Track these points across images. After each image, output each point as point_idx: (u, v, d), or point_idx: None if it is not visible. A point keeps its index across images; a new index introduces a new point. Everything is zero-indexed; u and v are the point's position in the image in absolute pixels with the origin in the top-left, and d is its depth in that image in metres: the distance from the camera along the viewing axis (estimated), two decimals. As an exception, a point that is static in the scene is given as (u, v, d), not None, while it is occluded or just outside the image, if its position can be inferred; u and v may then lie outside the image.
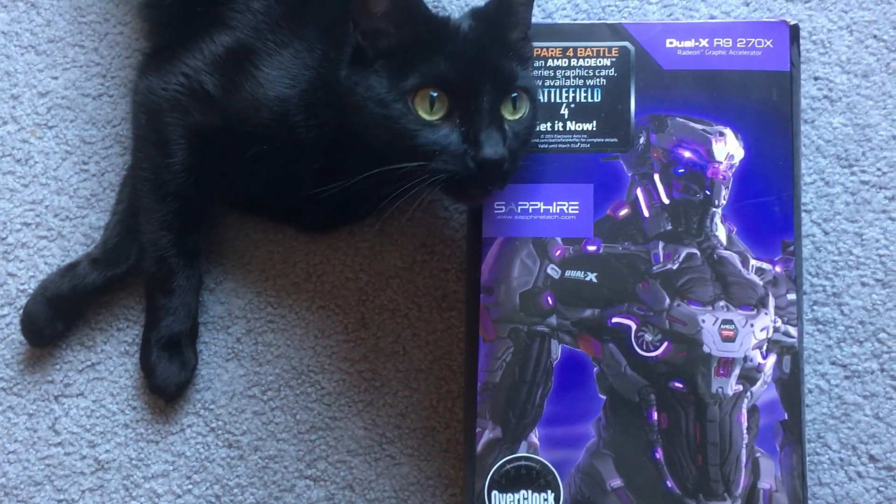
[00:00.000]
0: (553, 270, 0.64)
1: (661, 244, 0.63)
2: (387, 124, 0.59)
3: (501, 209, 0.65)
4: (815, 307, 0.70)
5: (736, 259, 0.63)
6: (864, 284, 0.70)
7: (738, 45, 0.65)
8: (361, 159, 0.60)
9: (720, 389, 0.61)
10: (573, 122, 0.65)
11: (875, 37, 0.74)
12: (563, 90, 0.66)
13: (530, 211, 0.65)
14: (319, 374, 0.73)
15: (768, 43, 0.64)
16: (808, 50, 0.74)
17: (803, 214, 0.70)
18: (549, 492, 0.61)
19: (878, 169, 0.72)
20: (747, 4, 0.75)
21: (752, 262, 0.63)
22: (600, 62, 0.66)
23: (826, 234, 0.71)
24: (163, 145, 0.68)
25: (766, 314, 0.62)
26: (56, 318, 0.72)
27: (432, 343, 0.72)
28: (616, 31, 0.66)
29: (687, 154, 0.64)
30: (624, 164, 0.65)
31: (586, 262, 0.64)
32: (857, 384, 0.69)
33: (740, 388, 0.61)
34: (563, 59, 0.66)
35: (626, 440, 0.61)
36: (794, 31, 0.65)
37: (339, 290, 0.74)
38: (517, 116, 0.61)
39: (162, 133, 0.68)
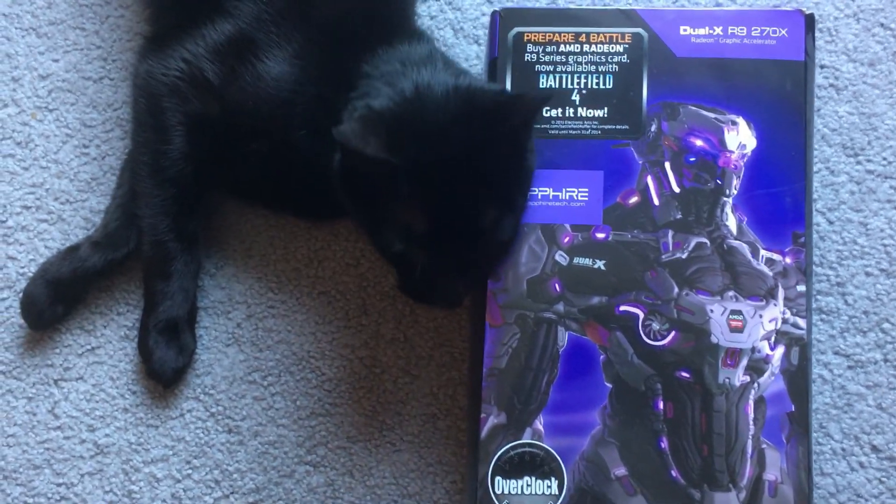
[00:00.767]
0: (561, 257, 0.63)
1: (670, 233, 0.63)
2: (365, 225, 0.64)
3: (510, 195, 0.64)
4: (818, 297, 0.70)
5: (746, 249, 0.62)
6: (868, 274, 0.70)
7: (752, 34, 0.64)
8: None
9: (727, 380, 0.61)
10: (584, 109, 0.65)
11: (882, 25, 0.74)
12: (575, 76, 0.65)
13: (539, 197, 0.64)
14: (320, 360, 0.72)
15: (783, 32, 0.64)
16: (815, 37, 0.73)
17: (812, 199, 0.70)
18: (553, 479, 0.61)
19: (884, 158, 0.72)
20: (760, -8, 0.75)
21: (763, 252, 0.62)
22: (613, 48, 0.65)
23: (831, 223, 0.71)
24: (161, 131, 0.67)
25: (775, 305, 0.62)
26: (56, 302, 0.71)
27: (433, 330, 0.72)
28: (629, 17, 0.65)
29: (698, 142, 0.64)
30: (635, 151, 0.64)
31: (595, 249, 0.63)
32: (861, 374, 0.69)
33: (747, 378, 0.61)
34: (576, 45, 0.65)
35: (631, 429, 0.61)
36: (810, 21, 0.64)
37: (340, 277, 0.73)
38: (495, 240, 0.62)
39: (160, 118, 0.67)
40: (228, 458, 0.71)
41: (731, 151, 0.63)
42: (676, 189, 0.63)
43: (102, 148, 0.76)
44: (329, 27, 0.65)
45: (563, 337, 0.62)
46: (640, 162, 0.64)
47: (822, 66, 0.73)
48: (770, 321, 0.61)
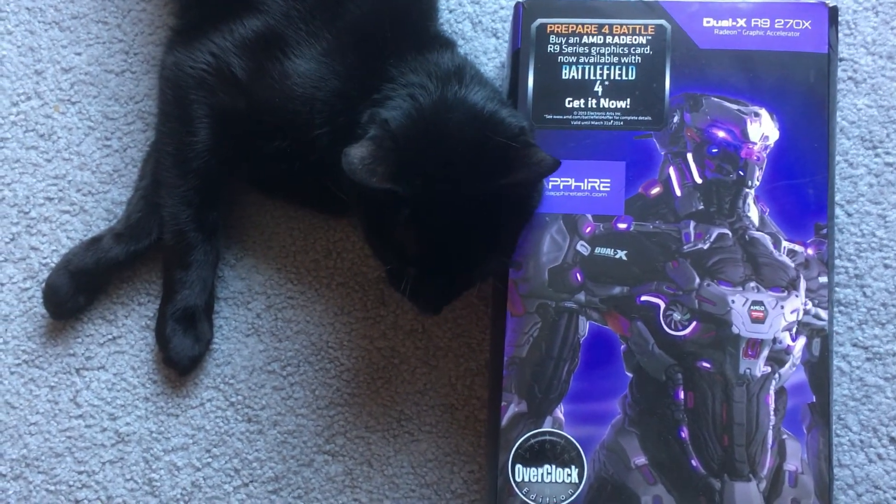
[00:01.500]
0: (583, 247, 0.64)
1: (692, 224, 0.63)
2: (363, 229, 0.65)
3: (531, 186, 0.64)
4: (837, 289, 0.70)
5: (768, 240, 0.63)
6: (887, 266, 0.70)
7: (775, 26, 0.64)
8: None
9: (748, 370, 0.61)
10: (607, 100, 0.65)
11: (902, 19, 0.74)
12: (598, 67, 0.65)
13: (561, 187, 0.64)
14: (338, 350, 0.72)
15: (807, 24, 0.64)
16: (838, 31, 0.74)
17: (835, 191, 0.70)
18: (573, 467, 0.61)
19: (903, 152, 0.72)
20: (782, -16, 0.75)
21: (784, 243, 0.63)
22: (636, 40, 0.65)
23: (849, 215, 0.71)
24: (187, 122, 0.67)
25: (796, 296, 0.62)
26: (78, 292, 0.71)
27: (451, 321, 0.72)
28: (652, 9, 0.65)
29: (721, 134, 0.64)
30: (657, 142, 0.64)
31: (616, 239, 0.63)
32: (879, 366, 0.69)
33: (768, 369, 0.61)
34: (599, 37, 0.66)
35: (651, 418, 0.61)
36: (833, 13, 0.64)
37: (359, 268, 0.74)
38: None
39: (187, 110, 0.67)
40: (248, 447, 0.71)
41: (754, 143, 0.64)
42: (698, 180, 0.64)
43: (124, 140, 0.76)
44: (358, 27, 0.65)
45: (585, 326, 0.63)
46: (663, 153, 0.64)
47: (841, 59, 0.73)
48: (791, 312, 0.62)
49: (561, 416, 0.62)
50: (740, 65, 0.64)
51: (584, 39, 0.66)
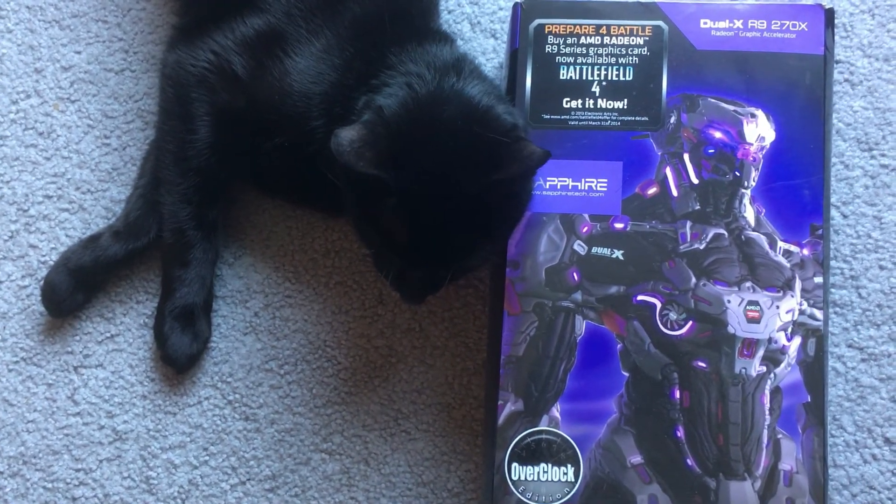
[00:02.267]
0: (580, 247, 0.64)
1: (688, 224, 0.63)
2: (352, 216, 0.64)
3: (529, 185, 0.65)
4: (833, 290, 0.70)
5: (763, 241, 0.63)
6: (882, 268, 0.71)
7: (772, 28, 0.65)
8: None
9: (744, 370, 0.61)
10: (604, 100, 0.65)
11: (897, 21, 0.75)
12: (595, 68, 0.66)
13: (559, 187, 0.64)
14: (336, 349, 0.72)
15: (803, 26, 0.64)
16: (834, 33, 0.74)
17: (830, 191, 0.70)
18: (569, 466, 0.61)
19: (899, 154, 0.73)
20: (779, -14, 0.75)
21: (780, 244, 0.63)
22: (633, 40, 0.65)
23: (845, 217, 0.72)
24: (188, 120, 0.67)
25: (792, 296, 0.62)
26: (77, 289, 0.71)
27: (448, 320, 0.72)
28: (650, 10, 0.66)
29: (718, 135, 0.64)
30: (654, 142, 0.65)
31: (613, 239, 0.64)
32: (874, 367, 0.69)
33: (764, 369, 0.61)
34: (596, 37, 0.66)
35: (647, 417, 0.62)
36: (830, 15, 0.65)
37: (356, 267, 0.74)
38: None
39: (187, 108, 0.67)
40: (245, 445, 0.71)
41: (750, 144, 0.64)
42: (695, 180, 0.64)
43: (123, 139, 0.76)
44: (359, 23, 0.65)
45: (581, 325, 0.63)
46: (659, 153, 0.64)
47: (837, 62, 0.74)
48: (787, 312, 0.62)
49: (557, 414, 0.62)
50: (737, 66, 0.64)
51: (582, 40, 0.66)
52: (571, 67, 0.66)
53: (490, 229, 0.61)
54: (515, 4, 0.67)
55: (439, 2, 0.73)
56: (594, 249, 0.64)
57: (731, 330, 0.62)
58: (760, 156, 0.64)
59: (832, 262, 0.71)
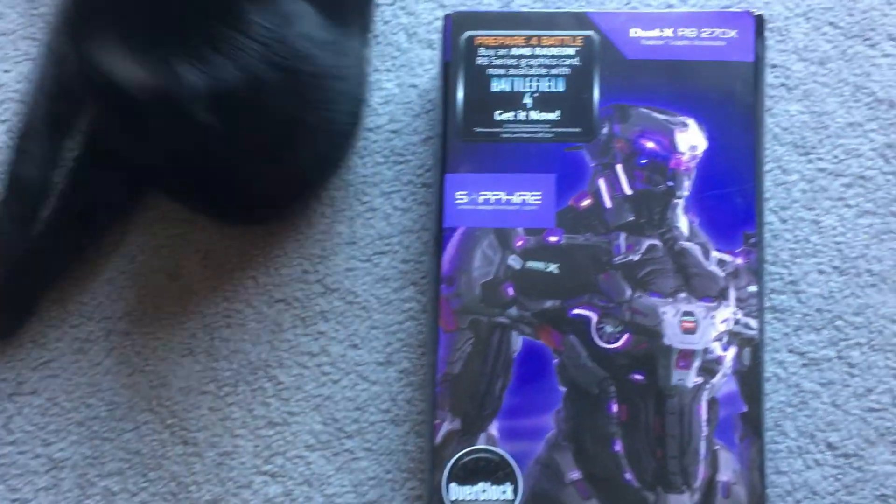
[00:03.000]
0: (514, 261, 0.63)
1: (622, 235, 0.63)
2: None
3: (463, 199, 0.64)
4: (772, 295, 0.70)
5: (697, 250, 0.63)
6: (821, 272, 0.71)
7: (702, 35, 0.64)
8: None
9: (680, 381, 0.61)
10: (536, 112, 0.64)
11: (832, 24, 0.75)
12: (527, 79, 0.65)
13: (492, 201, 0.64)
14: (277, 368, 0.71)
15: (733, 33, 0.64)
16: (765, 38, 0.74)
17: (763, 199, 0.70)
18: (508, 484, 0.61)
19: (835, 156, 0.72)
20: (708, -8, 0.75)
21: (714, 253, 0.63)
22: (564, 51, 0.65)
23: (783, 222, 0.72)
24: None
25: (726, 306, 0.62)
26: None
27: (391, 335, 0.71)
28: (580, 20, 0.65)
29: (650, 144, 0.64)
30: (587, 154, 0.64)
31: (548, 252, 0.63)
32: (815, 372, 0.69)
33: (700, 380, 0.61)
34: (527, 48, 0.65)
35: (585, 432, 0.61)
36: (759, 22, 0.65)
37: (297, 284, 0.72)
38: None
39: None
40: (184, 469, 0.70)
41: (682, 153, 0.63)
42: (628, 191, 0.64)
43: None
44: None
45: (517, 341, 0.62)
46: (593, 165, 0.64)
47: (773, 66, 0.74)
48: (722, 322, 0.62)
49: (495, 432, 0.61)
50: (668, 75, 0.64)
51: (513, 51, 0.65)
52: (503, 79, 0.65)
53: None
54: (446, 16, 0.66)
55: None
56: (529, 263, 0.63)
57: (666, 341, 0.62)
58: (693, 165, 0.63)
59: (772, 268, 0.70)
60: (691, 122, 0.64)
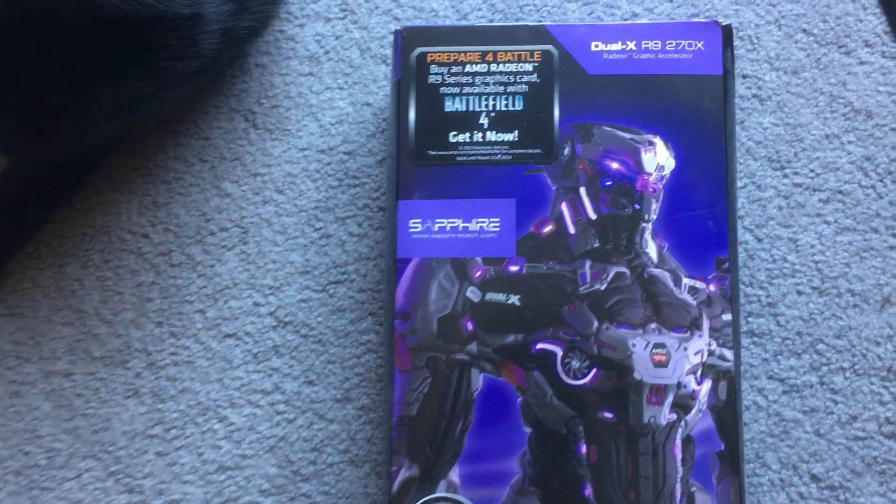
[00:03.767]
0: (473, 293, 0.59)
1: (588, 263, 0.59)
2: None
3: (417, 227, 0.60)
4: (749, 319, 0.67)
5: (668, 278, 0.59)
6: (800, 293, 0.67)
7: (667, 48, 0.60)
8: None
9: (653, 419, 0.57)
10: (493, 132, 0.60)
11: (805, 31, 0.71)
12: (483, 98, 0.61)
13: (448, 229, 0.60)
14: (227, 408, 0.67)
15: (699, 45, 0.60)
16: (736, 47, 0.70)
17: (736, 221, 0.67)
18: (474, 532, 0.57)
19: (812, 170, 0.69)
20: (671, 0, 0.71)
21: (685, 280, 0.59)
22: (521, 67, 0.61)
23: (759, 240, 0.68)
24: None
25: (700, 337, 0.58)
26: None
27: (349, 369, 0.67)
28: (538, 34, 0.61)
29: (615, 165, 0.60)
30: (548, 176, 0.60)
31: (508, 283, 0.59)
32: (796, 399, 0.66)
33: (674, 416, 0.57)
34: (482, 65, 0.61)
35: (553, 476, 0.57)
36: (727, 33, 0.61)
37: (247, 317, 0.68)
38: None
39: None
40: (130, 520, 0.65)
41: (649, 173, 0.60)
42: (593, 216, 0.60)
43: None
44: None
45: (478, 380, 0.58)
46: (554, 188, 0.60)
47: (744, 76, 0.70)
48: (696, 354, 0.58)
49: (456, 479, 0.57)
50: (632, 90, 0.60)
51: (468, 68, 0.61)
52: (457, 98, 0.61)
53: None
54: (396, 32, 0.62)
55: None
56: (488, 295, 0.59)
57: (637, 376, 0.58)
58: (661, 186, 0.59)
59: (748, 290, 0.67)
60: (658, 141, 0.60)
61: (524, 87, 0.61)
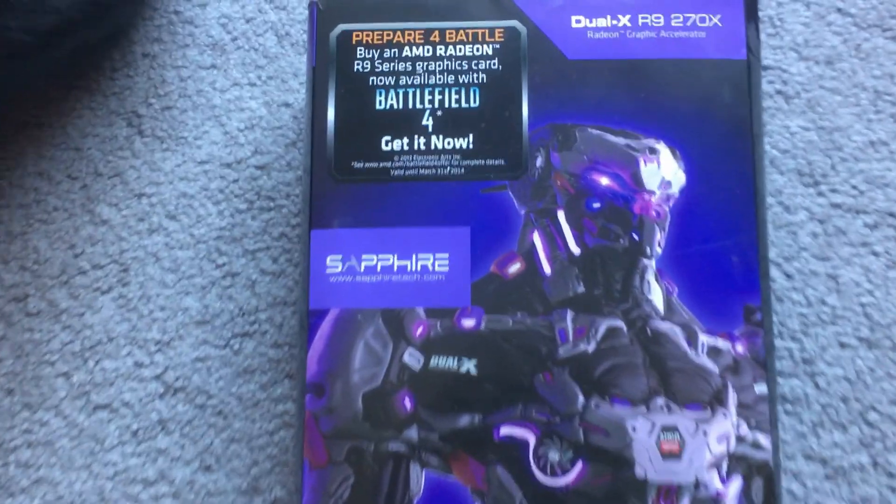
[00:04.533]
0: (412, 357, 0.43)
1: (569, 314, 0.43)
2: None
3: (336, 267, 0.44)
4: (780, 380, 0.52)
5: (679, 334, 0.43)
6: (843, 345, 0.52)
7: (673, 24, 0.45)
8: None
9: (663, 531, 0.41)
10: (440, 138, 0.45)
11: (840, 10, 0.58)
12: (426, 91, 0.45)
13: (378, 269, 0.44)
14: (98, 503, 0.51)
15: (716, 20, 0.45)
16: (759, 28, 0.56)
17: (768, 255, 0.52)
18: None
19: (854, 187, 0.55)
20: (680, -35, 0.57)
21: (703, 337, 0.43)
22: (479, 50, 0.45)
23: (789, 277, 0.53)
24: None
25: (725, 416, 0.42)
26: None
27: (258, 451, 0.52)
28: (500, 6, 0.46)
29: (604, 181, 0.44)
30: (514, 196, 0.44)
31: (461, 343, 0.43)
32: (843, 486, 0.50)
33: (692, 528, 0.41)
34: (426, 47, 0.46)
35: None
36: (751, 4, 0.46)
37: (126, 382, 0.54)
38: None
39: None
40: None
41: (651, 192, 0.44)
42: (576, 250, 0.44)
43: None
44: None
45: (419, 479, 0.42)
46: (523, 212, 0.44)
47: (765, 68, 0.56)
48: (719, 440, 0.42)
49: None
50: (627, 81, 0.45)
51: (406, 52, 0.46)
52: (392, 92, 0.45)
53: None
54: (311, 4, 0.47)
55: None
56: (434, 361, 0.43)
57: (639, 472, 0.42)
58: (667, 209, 0.44)
59: (778, 342, 0.52)
60: (663, 147, 0.44)
61: (482, 77, 0.45)
